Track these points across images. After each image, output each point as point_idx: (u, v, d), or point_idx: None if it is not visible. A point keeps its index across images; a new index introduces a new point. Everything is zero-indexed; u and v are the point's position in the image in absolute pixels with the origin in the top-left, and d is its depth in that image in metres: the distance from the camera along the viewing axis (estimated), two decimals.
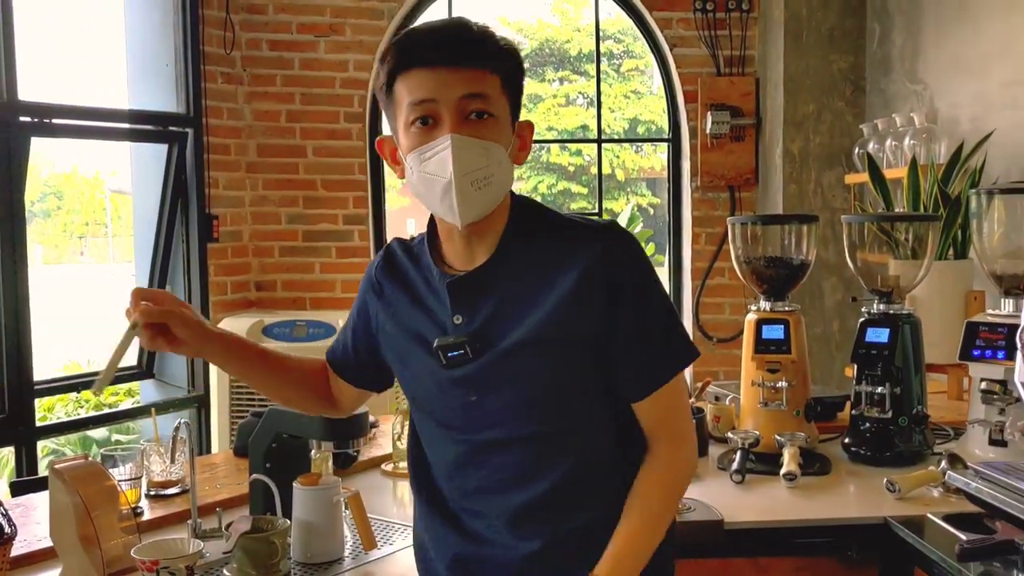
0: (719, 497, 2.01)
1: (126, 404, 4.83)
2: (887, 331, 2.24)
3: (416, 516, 1.53)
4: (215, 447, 3.83)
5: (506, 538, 1.38)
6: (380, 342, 1.47)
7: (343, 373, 1.57)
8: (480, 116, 1.27)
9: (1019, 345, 1.65)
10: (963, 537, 1.71)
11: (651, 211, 13.50)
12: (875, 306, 2.33)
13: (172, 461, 2.03)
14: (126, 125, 3.99)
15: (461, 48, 1.27)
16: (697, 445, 1.44)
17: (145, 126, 4.01)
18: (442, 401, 1.38)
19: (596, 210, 5.30)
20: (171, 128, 4.03)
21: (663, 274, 5.26)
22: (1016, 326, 1.76)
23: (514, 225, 1.36)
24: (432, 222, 1.41)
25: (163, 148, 4.03)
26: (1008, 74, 3.08)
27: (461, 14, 1.54)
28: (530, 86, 13.86)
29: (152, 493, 2.09)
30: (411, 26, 1.37)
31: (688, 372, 4.62)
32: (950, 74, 3.47)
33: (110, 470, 1.90)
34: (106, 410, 4.67)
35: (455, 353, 1.33)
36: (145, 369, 4.07)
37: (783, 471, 2.10)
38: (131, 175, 4.28)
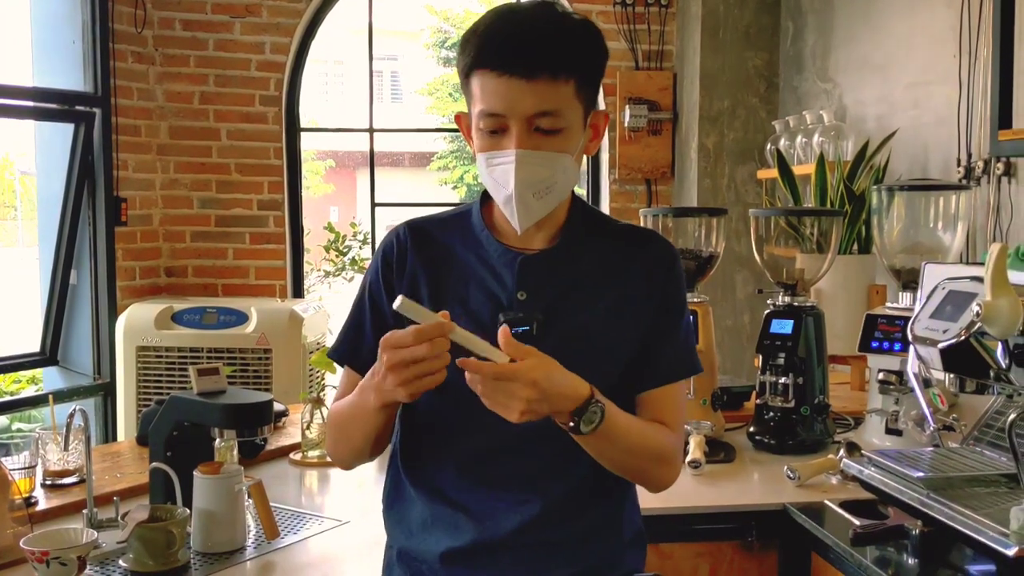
0: None
1: (28, 391, 4.68)
2: (791, 323, 2.30)
3: (403, 516, 1.47)
4: (121, 436, 3.73)
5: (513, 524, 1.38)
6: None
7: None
8: (548, 131, 1.29)
9: (910, 338, 1.70)
10: (857, 522, 1.76)
11: None
12: (780, 298, 2.38)
13: (66, 448, 1.97)
14: (30, 103, 3.85)
15: (537, 58, 1.26)
16: (680, 454, 1.50)
17: (50, 105, 3.88)
18: (466, 389, 1.31)
19: None
20: (78, 108, 3.91)
21: None
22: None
23: (577, 217, 1.41)
24: (486, 195, 1.42)
25: (69, 128, 3.90)
26: (911, 75, 3.18)
27: None
28: (456, 75, 13.82)
29: (48, 482, 2.02)
30: (501, 8, 1.34)
31: None
32: (858, 74, 3.57)
33: (2, 458, 1.84)
34: (6, 397, 4.52)
35: (521, 329, 1.33)
36: (48, 355, 3.95)
37: (688, 459, 2.13)
38: (35, 155, 4.14)
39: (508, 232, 1.40)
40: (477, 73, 1.29)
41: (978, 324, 1.51)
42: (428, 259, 1.42)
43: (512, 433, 1.30)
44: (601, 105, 1.36)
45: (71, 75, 3.93)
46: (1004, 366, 1.55)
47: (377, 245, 1.50)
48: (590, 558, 1.41)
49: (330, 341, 3.57)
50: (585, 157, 1.44)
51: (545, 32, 1.27)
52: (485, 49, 1.28)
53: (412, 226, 1.46)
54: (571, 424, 1.26)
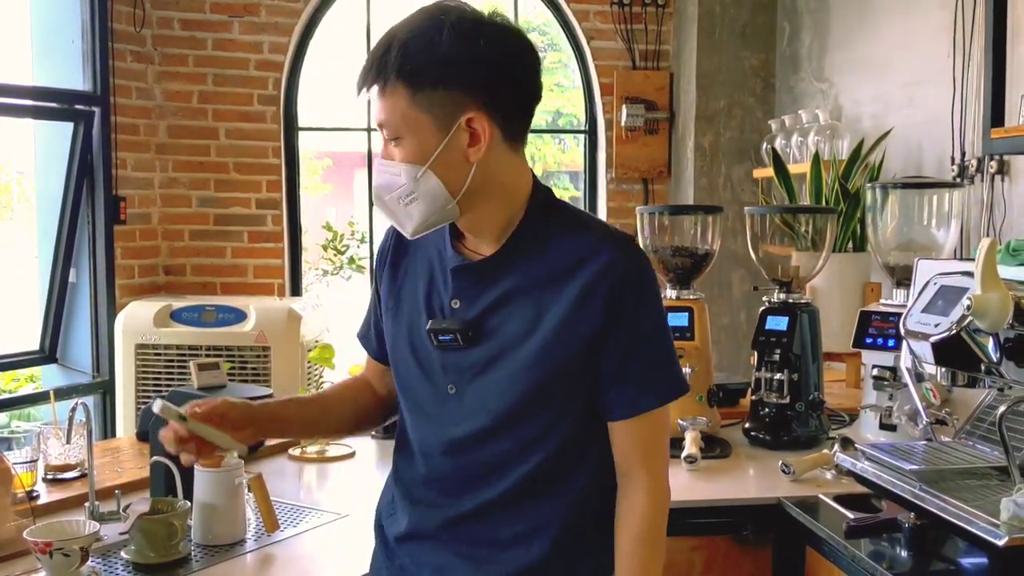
0: None
1: (27, 389, 4.69)
2: (786, 319, 2.32)
3: (383, 495, 1.50)
4: (120, 433, 3.74)
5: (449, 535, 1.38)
6: (391, 307, 1.43)
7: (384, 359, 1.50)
8: (395, 141, 1.28)
9: (903, 333, 1.72)
10: (850, 516, 1.78)
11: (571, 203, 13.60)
12: (775, 295, 2.40)
13: (68, 441, 1.98)
14: (29, 102, 3.86)
15: (369, 71, 1.27)
16: (667, 481, 1.37)
17: (50, 104, 3.88)
18: (425, 387, 1.37)
19: None
20: (77, 107, 3.91)
21: None
22: None
23: (529, 220, 1.33)
24: None
25: (68, 127, 3.91)
26: (906, 75, 3.20)
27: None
28: None
29: (49, 477, 2.04)
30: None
31: None
32: (854, 73, 3.59)
33: (5, 453, 1.85)
34: (5, 395, 4.52)
35: (446, 338, 1.32)
36: (47, 353, 3.96)
37: (684, 454, 2.15)
38: (34, 155, 4.15)
39: (471, 240, 1.37)
40: None
41: (969, 318, 1.53)
42: (401, 261, 1.43)
43: (454, 437, 1.34)
44: (468, 112, 1.27)
45: (70, 74, 3.94)
46: (995, 360, 1.57)
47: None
48: (522, 559, 1.35)
49: (328, 339, 3.59)
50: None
51: (386, 43, 1.26)
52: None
53: None
54: None
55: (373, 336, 1.51)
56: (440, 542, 1.38)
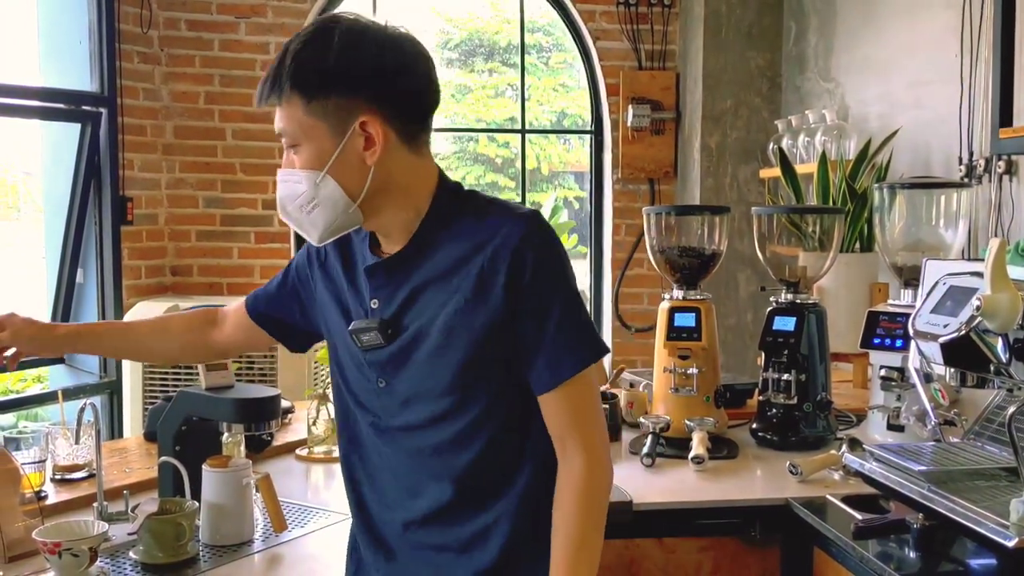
0: (629, 480, 2.05)
1: (34, 390, 4.70)
2: (793, 320, 2.31)
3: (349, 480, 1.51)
4: (127, 433, 3.75)
5: (400, 532, 1.40)
6: (314, 308, 1.50)
7: (269, 326, 1.60)
8: (294, 150, 1.32)
9: (911, 333, 1.72)
10: (859, 516, 1.78)
11: (576, 204, 13.59)
12: (783, 295, 2.40)
13: (76, 441, 1.99)
14: (37, 103, 3.87)
15: (261, 89, 1.31)
16: (610, 454, 1.37)
17: (57, 104, 3.89)
18: (362, 384, 1.41)
19: (521, 200, 5.34)
20: (84, 107, 3.92)
21: (584, 265, 5.32)
22: None
23: (434, 214, 1.35)
24: None
25: (76, 128, 3.92)
26: (912, 75, 3.19)
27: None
28: (459, 77, 13.81)
29: (57, 477, 2.04)
30: None
31: (606, 360, 4.69)
32: (860, 73, 3.58)
33: (13, 453, 1.86)
34: (12, 396, 4.54)
35: (368, 337, 1.36)
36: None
37: (691, 455, 2.15)
38: (42, 155, 4.16)
39: (381, 236, 1.40)
40: None
41: (978, 318, 1.52)
42: (338, 258, 1.45)
43: (391, 428, 1.38)
44: (361, 116, 1.28)
45: (77, 75, 3.95)
46: (1004, 360, 1.56)
47: None
48: (482, 559, 1.37)
49: None
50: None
51: (280, 56, 1.30)
52: None
53: None
54: None
55: (263, 300, 1.60)
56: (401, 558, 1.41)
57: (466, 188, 1.41)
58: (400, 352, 1.35)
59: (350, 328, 1.37)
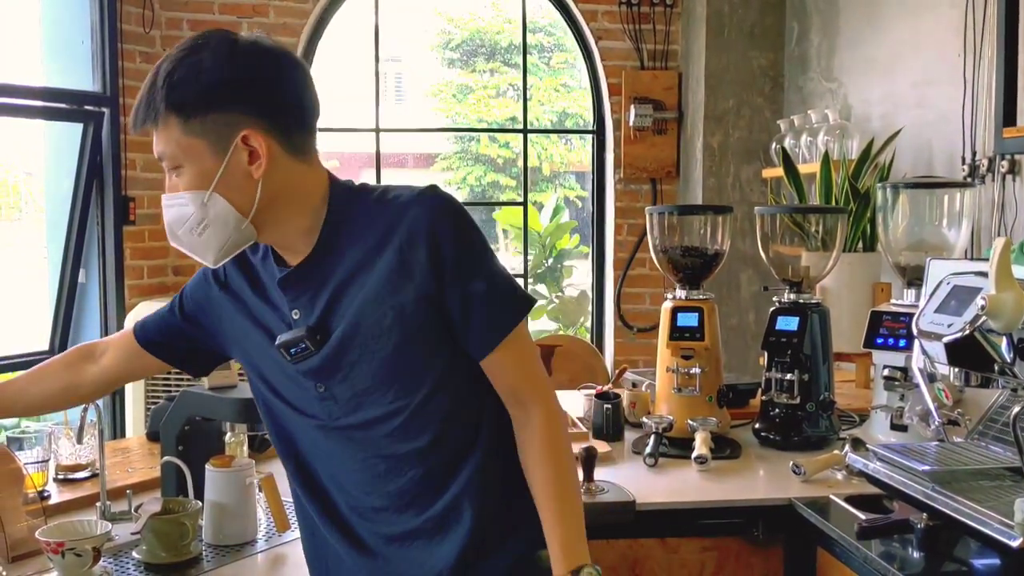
0: (632, 480, 2.05)
1: None
2: (796, 320, 2.31)
3: (295, 496, 1.49)
4: (130, 433, 3.75)
5: (373, 517, 1.39)
6: (223, 333, 1.46)
7: (165, 354, 1.55)
8: (176, 172, 1.29)
9: (915, 333, 1.72)
10: (862, 516, 1.78)
11: (579, 203, 13.60)
12: (785, 295, 2.39)
13: (79, 441, 1.99)
14: (39, 103, 3.88)
15: (135, 114, 1.29)
16: (557, 400, 1.42)
17: (59, 104, 3.90)
18: (298, 394, 1.38)
19: (523, 200, 5.34)
20: (87, 107, 3.93)
21: (586, 265, 5.32)
22: None
23: (334, 214, 1.34)
24: None
25: (78, 127, 3.92)
26: (915, 74, 3.19)
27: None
28: (461, 77, 13.80)
29: (60, 477, 2.04)
30: None
31: (608, 360, 4.69)
32: (863, 73, 3.58)
33: (16, 453, 1.86)
34: None
35: (297, 349, 1.33)
36: (57, 353, 3.97)
37: (694, 455, 2.15)
38: (44, 155, 4.16)
39: (284, 250, 1.37)
40: None
41: (982, 318, 1.52)
42: (241, 279, 1.43)
43: (344, 427, 1.37)
44: (242, 130, 1.30)
45: (80, 75, 3.95)
46: (1008, 360, 1.56)
47: None
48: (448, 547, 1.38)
49: None
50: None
51: (151, 79, 1.28)
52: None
53: None
54: None
55: (154, 327, 1.54)
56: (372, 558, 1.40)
57: (356, 183, 1.40)
58: (333, 354, 1.33)
59: (277, 343, 1.34)
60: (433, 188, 1.35)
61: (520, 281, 5.27)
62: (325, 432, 1.38)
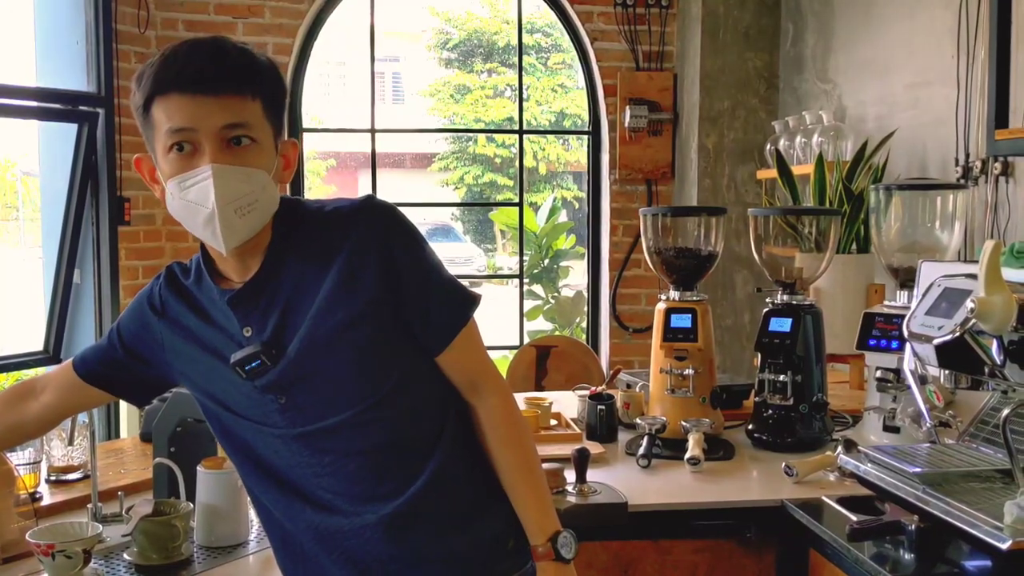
0: (625, 481, 2.05)
1: None
2: (790, 321, 2.31)
3: (263, 509, 1.48)
4: (123, 434, 3.75)
5: (356, 508, 1.38)
6: (165, 361, 1.45)
7: (107, 386, 1.53)
8: (239, 142, 1.27)
9: (906, 335, 1.72)
10: (854, 518, 1.78)
11: (575, 204, 13.61)
12: (779, 297, 2.40)
13: (71, 443, 1.99)
14: (33, 103, 3.87)
15: (221, 74, 1.25)
16: (507, 385, 1.50)
17: (54, 105, 3.89)
18: (256, 408, 1.38)
19: (519, 200, 5.34)
20: (81, 108, 3.93)
21: (582, 265, 5.32)
22: None
23: (280, 230, 1.36)
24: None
25: (73, 128, 3.92)
26: (910, 76, 3.19)
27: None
28: (458, 77, 13.80)
29: (52, 478, 2.04)
30: (173, 43, 1.31)
31: (604, 360, 4.69)
32: (857, 74, 3.58)
33: (8, 454, 1.86)
34: None
35: (252, 365, 1.33)
36: (52, 354, 3.97)
37: (687, 456, 2.15)
38: (39, 156, 4.16)
39: (228, 268, 1.38)
40: (159, 100, 1.26)
41: (972, 320, 1.52)
42: (180, 306, 1.42)
43: (305, 434, 1.36)
44: (283, 136, 1.35)
45: (74, 75, 3.95)
46: (998, 362, 1.56)
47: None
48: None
49: None
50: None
51: (225, 53, 1.27)
52: (165, 75, 1.25)
53: (170, 272, 1.49)
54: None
55: (94, 360, 1.52)
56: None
57: (296, 198, 1.43)
58: (291, 366, 1.33)
59: (232, 362, 1.33)
60: (372, 198, 1.39)
61: (517, 281, 5.27)
62: (285, 440, 1.37)
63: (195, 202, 1.27)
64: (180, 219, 1.32)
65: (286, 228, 1.36)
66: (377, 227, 1.35)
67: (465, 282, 1.47)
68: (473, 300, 1.43)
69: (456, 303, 1.41)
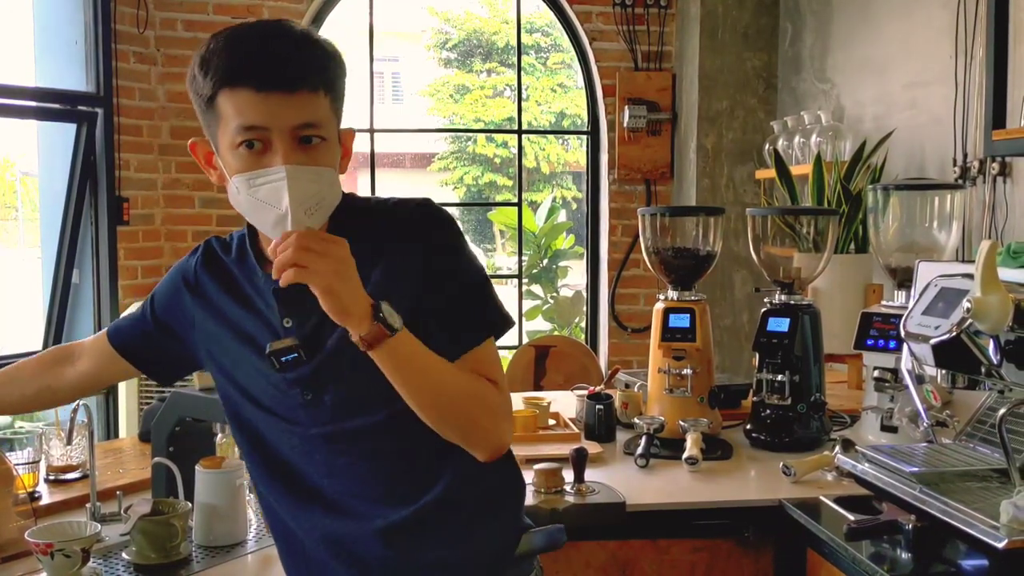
0: (623, 480, 2.06)
1: None
2: (787, 321, 2.32)
3: (267, 505, 1.47)
4: (123, 433, 3.75)
5: (363, 511, 1.37)
6: (193, 340, 1.44)
7: (136, 359, 1.54)
8: (309, 141, 1.25)
9: (903, 335, 1.72)
10: (851, 518, 1.78)
11: (574, 204, 13.62)
12: (777, 297, 2.40)
13: (69, 442, 1.99)
14: (32, 103, 3.88)
15: (295, 71, 1.22)
16: (512, 418, 1.41)
17: (52, 105, 3.90)
18: (279, 401, 1.37)
19: (518, 200, 5.34)
20: (80, 108, 3.93)
21: (581, 265, 5.32)
22: None
23: (332, 227, 1.33)
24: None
25: (71, 128, 3.92)
26: (908, 76, 3.20)
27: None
28: (457, 77, 13.80)
29: (51, 478, 2.04)
30: (234, 27, 1.27)
31: (603, 360, 4.69)
32: (856, 74, 3.59)
33: (7, 454, 1.86)
34: None
35: (288, 357, 1.30)
36: None
37: (685, 455, 2.15)
38: (38, 156, 4.16)
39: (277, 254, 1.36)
40: (228, 92, 1.22)
41: (968, 320, 1.53)
42: (215, 284, 1.41)
43: (325, 434, 1.34)
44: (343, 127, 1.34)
45: (73, 75, 3.95)
46: (995, 362, 1.57)
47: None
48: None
49: None
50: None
51: (296, 46, 1.24)
52: (236, 66, 1.22)
53: (208, 247, 1.47)
54: (375, 315, 1.20)
55: (127, 331, 1.53)
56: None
57: (353, 194, 1.41)
58: (326, 364, 1.32)
59: (268, 351, 1.30)
60: (431, 203, 1.37)
61: (516, 281, 5.27)
62: (302, 436, 1.36)
63: (265, 201, 1.24)
64: (244, 213, 1.30)
65: (341, 221, 1.34)
66: (426, 232, 1.34)
67: None
68: (500, 323, 1.38)
69: (477, 318, 1.36)
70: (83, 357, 1.57)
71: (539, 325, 7.90)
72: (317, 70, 1.24)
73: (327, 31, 4.61)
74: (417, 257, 1.32)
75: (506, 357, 4.59)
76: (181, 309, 1.45)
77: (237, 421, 1.43)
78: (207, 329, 1.42)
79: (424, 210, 1.36)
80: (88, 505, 1.80)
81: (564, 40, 4.96)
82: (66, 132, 3.93)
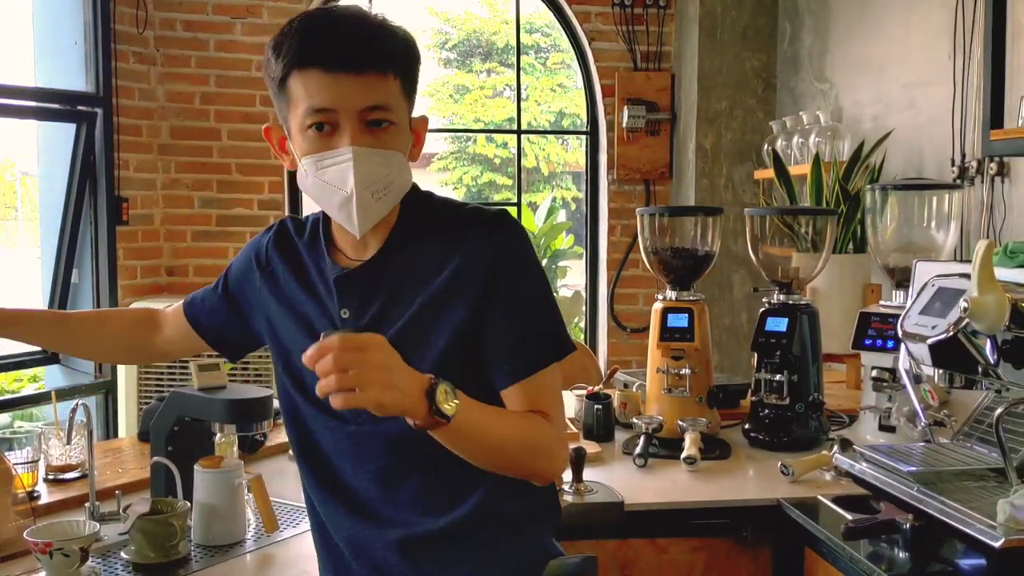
0: (622, 480, 2.06)
1: (30, 389, 4.70)
2: (786, 320, 2.32)
3: (306, 495, 1.48)
4: (122, 433, 3.75)
5: (391, 517, 1.37)
6: (257, 317, 1.46)
7: (204, 333, 1.57)
8: (378, 124, 1.25)
9: (900, 334, 1.72)
10: (849, 517, 1.78)
11: (574, 204, 13.62)
12: (775, 296, 2.40)
13: (68, 442, 1.99)
14: (32, 103, 3.88)
15: (364, 53, 1.22)
16: (567, 446, 1.38)
17: (52, 105, 3.90)
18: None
19: (517, 200, 5.34)
20: (80, 108, 3.93)
21: (580, 265, 5.32)
22: None
23: (405, 220, 1.34)
24: None
25: (71, 128, 3.92)
26: (907, 76, 3.20)
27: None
28: (457, 77, 13.80)
29: (50, 477, 2.04)
30: (308, 12, 1.27)
31: (602, 360, 4.69)
32: (854, 74, 3.59)
33: (6, 453, 1.86)
34: (8, 396, 4.54)
35: None
36: (50, 353, 3.97)
37: (683, 455, 2.16)
38: (37, 156, 4.16)
39: (345, 242, 1.36)
40: (298, 74, 1.23)
41: (965, 320, 1.53)
42: (284, 264, 1.41)
43: (368, 434, 1.34)
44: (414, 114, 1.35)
45: (73, 75, 3.95)
46: (992, 362, 1.57)
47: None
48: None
49: None
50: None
51: (367, 29, 1.24)
52: (306, 48, 1.22)
53: (283, 226, 1.47)
54: (430, 408, 1.14)
55: (199, 304, 1.57)
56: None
57: (424, 190, 1.40)
58: None
59: (321, 338, 1.31)
60: (504, 214, 1.35)
61: None
62: (344, 434, 1.36)
63: (332, 183, 1.25)
64: (312, 197, 1.30)
65: (412, 217, 1.34)
66: (496, 245, 1.31)
67: None
68: (559, 350, 1.33)
69: (537, 345, 1.32)
70: (167, 325, 1.61)
71: None
72: (387, 53, 1.24)
73: None
74: (485, 264, 1.30)
75: None
76: (251, 284, 1.46)
77: (287, 403, 1.43)
78: (271, 309, 1.42)
79: (500, 220, 1.34)
80: (87, 504, 1.80)
81: (563, 40, 4.96)
82: (66, 132, 3.93)
